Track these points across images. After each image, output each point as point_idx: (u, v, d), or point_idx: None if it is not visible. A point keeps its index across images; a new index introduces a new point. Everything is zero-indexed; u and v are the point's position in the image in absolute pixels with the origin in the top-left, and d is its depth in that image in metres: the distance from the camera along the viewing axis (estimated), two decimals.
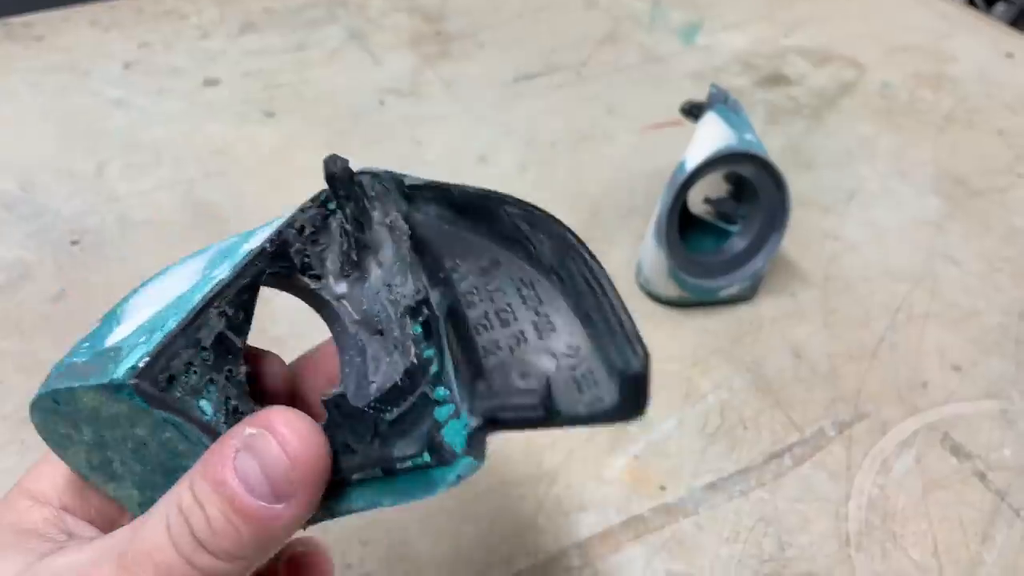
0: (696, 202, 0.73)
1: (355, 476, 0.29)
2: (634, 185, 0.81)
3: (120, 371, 0.26)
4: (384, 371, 0.32)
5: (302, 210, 0.32)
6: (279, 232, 0.31)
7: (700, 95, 0.77)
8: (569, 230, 0.28)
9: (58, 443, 0.31)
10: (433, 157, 0.83)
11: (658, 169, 0.79)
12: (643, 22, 1.09)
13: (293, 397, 0.36)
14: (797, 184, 0.76)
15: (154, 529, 0.26)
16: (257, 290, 0.31)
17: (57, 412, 0.29)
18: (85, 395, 0.27)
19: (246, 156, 0.85)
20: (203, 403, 0.28)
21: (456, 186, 0.31)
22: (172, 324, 0.27)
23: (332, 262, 0.33)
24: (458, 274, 0.30)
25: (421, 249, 0.31)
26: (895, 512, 0.56)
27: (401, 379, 0.30)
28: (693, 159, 0.63)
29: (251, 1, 1.09)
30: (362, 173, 0.33)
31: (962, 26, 1.10)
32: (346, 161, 0.33)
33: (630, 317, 0.26)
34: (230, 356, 0.29)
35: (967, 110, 0.95)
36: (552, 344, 0.28)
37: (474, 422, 0.28)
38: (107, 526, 0.32)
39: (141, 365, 0.26)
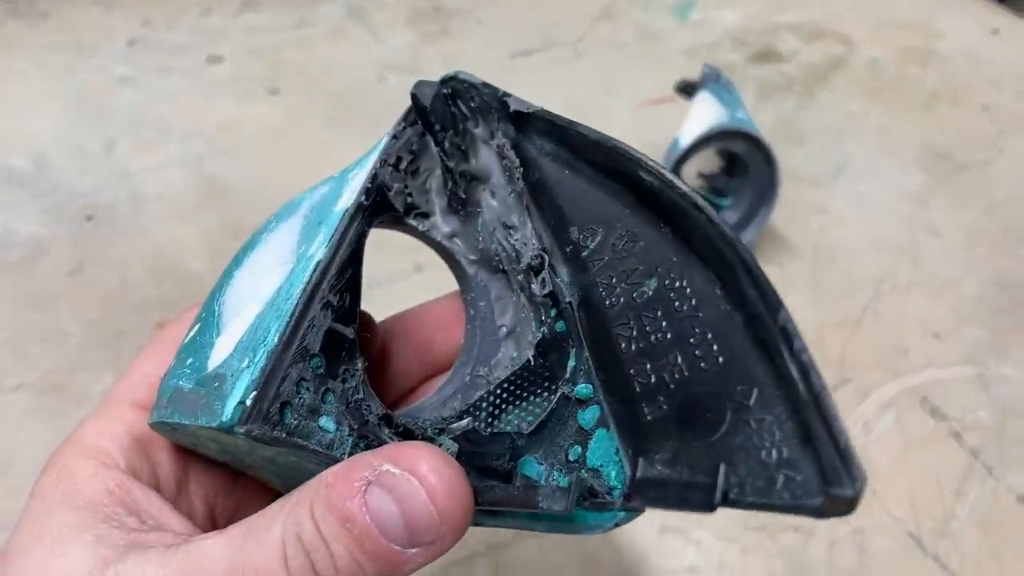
0: (690, 177, 0.76)
1: (499, 508, 0.26)
2: None
3: (228, 411, 0.23)
4: (512, 314, 0.29)
5: (394, 136, 0.29)
6: (374, 176, 0.28)
7: (694, 71, 0.79)
8: (741, 247, 0.24)
9: (186, 445, 0.29)
10: None
11: (654, 145, 0.82)
12: None
13: (380, 356, 0.34)
14: (787, 159, 0.78)
15: (269, 554, 0.23)
16: (361, 260, 0.27)
17: (176, 432, 0.28)
18: (199, 430, 0.25)
19: (252, 132, 0.87)
20: (323, 420, 0.25)
21: (574, 125, 0.27)
22: (274, 337, 0.24)
23: (438, 194, 0.30)
24: (588, 250, 0.27)
25: (538, 192, 0.28)
26: (876, 470, 0.60)
27: (534, 358, 0.28)
28: (686, 137, 0.66)
29: None
30: (454, 81, 0.29)
31: (950, 2, 1.12)
32: (436, 86, 0.29)
33: (842, 424, 0.22)
34: (344, 354, 0.26)
35: (953, 86, 0.97)
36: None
37: (631, 475, 0.24)
38: (174, 492, 0.29)
39: (248, 403, 0.23)
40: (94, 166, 0.82)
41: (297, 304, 0.25)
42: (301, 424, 0.25)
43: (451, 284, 0.34)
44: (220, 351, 0.26)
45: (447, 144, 0.29)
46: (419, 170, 0.30)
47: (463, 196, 0.30)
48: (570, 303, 0.27)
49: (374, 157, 0.29)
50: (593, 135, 0.27)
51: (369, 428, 0.26)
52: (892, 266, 0.75)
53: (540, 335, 0.28)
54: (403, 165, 0.29)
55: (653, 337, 0.25)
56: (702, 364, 0.24)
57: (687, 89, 0.75)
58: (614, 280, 0.26)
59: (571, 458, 0.27)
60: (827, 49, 1.03)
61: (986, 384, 0.66)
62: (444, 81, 0.29)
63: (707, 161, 0.76)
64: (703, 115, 0.67)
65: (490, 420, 0.28)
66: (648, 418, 0.24)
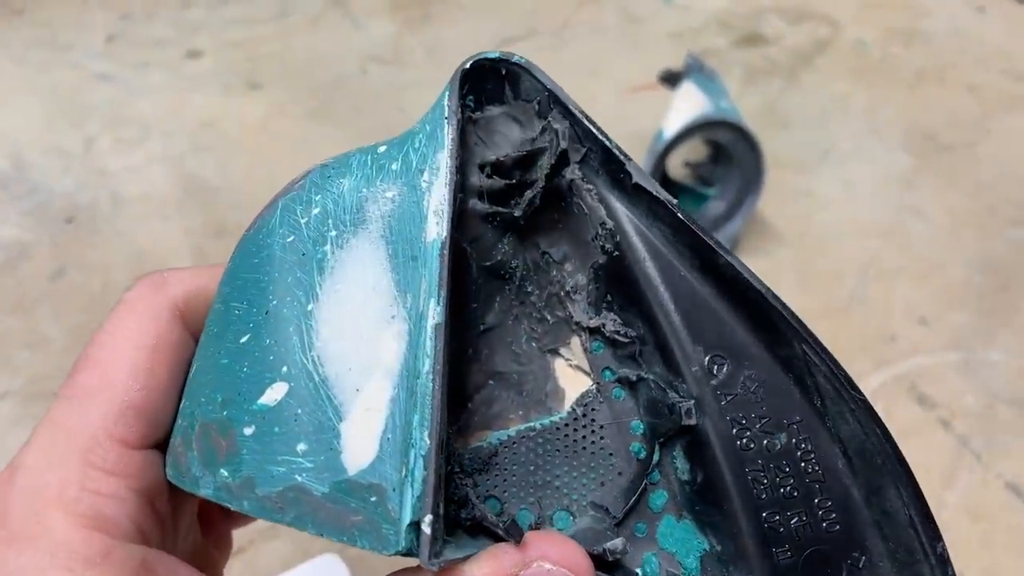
0: (675, 166, 0.76)
1: None
2: None
3: (402, 538, 0.21)
4: (495, 315, 0.28)
5: (456, 124, 0.25)
6: (453, 196, 0.24)
7: (679, 56, 0.78)
8: (903, 461, 0.25)
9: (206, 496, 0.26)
10: None
11: (639, 132, 0.81)
12: None
13: None
14: (773, 144, 0.78)
15: None
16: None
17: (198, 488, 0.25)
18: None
19: (234, 128, 0.86)
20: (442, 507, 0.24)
21: (721, 250, 0.26)
22: (423, 437, 0.22)
23: (473, 191, 0.27)
24: (718, 380, 0.26)
25: (633, 269, 0.27)
26: None
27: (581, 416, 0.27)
28: (671, 128, 0.66)
29: None
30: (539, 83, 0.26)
31: None
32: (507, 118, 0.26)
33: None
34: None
35: (938, 66, 0.97)
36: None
37: None
38: (172, 533, 0.27)
39: (428, 531, 0.21)
40: (73, 166, 0.81)
41: (435, 392, 0.22)
42: (453, 519, 0.24)
43: None
44: (357, 448, 0.22)
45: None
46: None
47: (506, 217, 0.27)
48: (696, 424, 0.26)
49: (444, 158, 0.25)
50: (740, 271, 0.25)
51: (469, 504, 0.25)
52: (878, 250, 0.75)
53: (589, 396, 0.27)
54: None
55: (783, 489, 0.26)
56: (825, 526, 0.26)
57: (670, 79, 0.74)
58: (745, 422, 0.26)
59: (637, 534, 0.27)
60: (812, 31, 1.02)
61: (973, 369, 0.66)
62: (501, 61, 0.26)
63: (693, 150, 0.76)
64: (687, 106, 0.67)
65: (530, 470, 0.27)
66: (779, 561, 0.26)
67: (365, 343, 0.23)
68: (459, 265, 0.27)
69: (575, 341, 0.28)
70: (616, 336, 0.27)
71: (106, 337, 0.25)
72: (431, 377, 0.22)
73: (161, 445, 0.25)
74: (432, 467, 0.21)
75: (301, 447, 0.23)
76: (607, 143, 0.26)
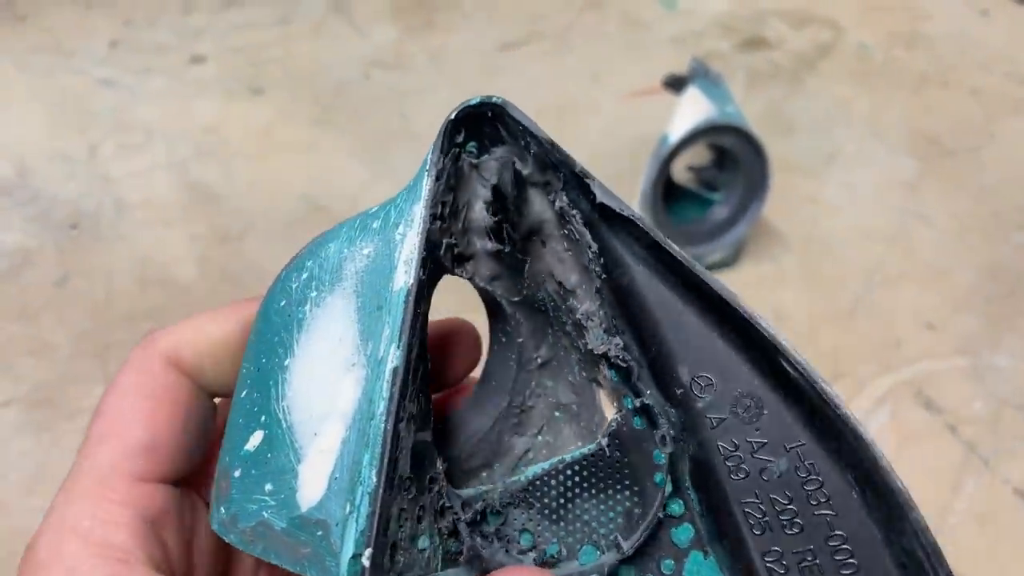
0: (679, 170, 0.76)
1: None
2: (619, 153, 0.83)
3: (343, 570, 0.22)
4: (548, 348, 0.29)
5: (437, 176, 0.25)
6: (427, 241, 0.25)
7: (682, 61, 0.78)
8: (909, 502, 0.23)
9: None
10: (420, 130, 0.85)
11: (641, 136, 0.81)
12: None
13: None
14: (777, 149, 0.78)
15: None
16: (427, 342, 0.26)
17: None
18: None
19: (237, 134, 0.86)
20: (421, 541, 0.25)
21: (688, 266, 0.25)
22: (371, 475, 0.23)
23: (478, 233, 0.27)
24: (703, 403, 0.25)
25: (626, 297, 0.26)
26: None
27: (609, 448, 0.27)
28: (676, 133, 0.65)
29: None
30: (502, 112, 0.26)
31: None
32: (507, 164, 0.27)
33: None
34: (427, 461, 0.25)
35: (941, 69, 0.97)
36: None
37: None
38: (184, 569, 0.28)
39: (366, 563, 0.22)
40: (77, 172, 0.81)
41: (385, 432, 0.23)
42: (406, 557, 0.24)
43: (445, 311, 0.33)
44: (309, 486, 0.24)
45: (509, 208, 0.27)
46: (458, 207, 0.27)
47: (518, 255, 0.27)
48: (673, 453, 0.26)
49: (419, 209, 0.25)
50: (714, 287, 0.24)
51: (460, 537, 0.25)
52: (884, 256, 0.75)
53: (613, 426, 0.27)
54: (446, 210, 0.26)
55: (784, 525, 0.24)
56: (843, 571, 0.23)
57: (675, 84, 0.74)
58: (737, 450, 0.24)
59: (665, 572, 0.26)
60: (815, 35, 1.02)
61: (980, 375, 0.65)
62: (484, 104, 0.26)
63: (697, 154, 0.75)
64: (692, 110, 0.67)
65: (560, 503, 0.27)
66: None
67: (326, 391, 0.25)
68: (493, 306, 0.28)
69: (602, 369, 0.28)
70: (617, 361, 0.26)
71: (111, 392, 0.28)
72: (384, 418, 0.23)
73: (168, 479, 0.27)
74: (377, 503, 0.22)
75: (268, 487, 0.24)
76: (573, 166, 0.26)
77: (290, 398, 0.25)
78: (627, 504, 0.27)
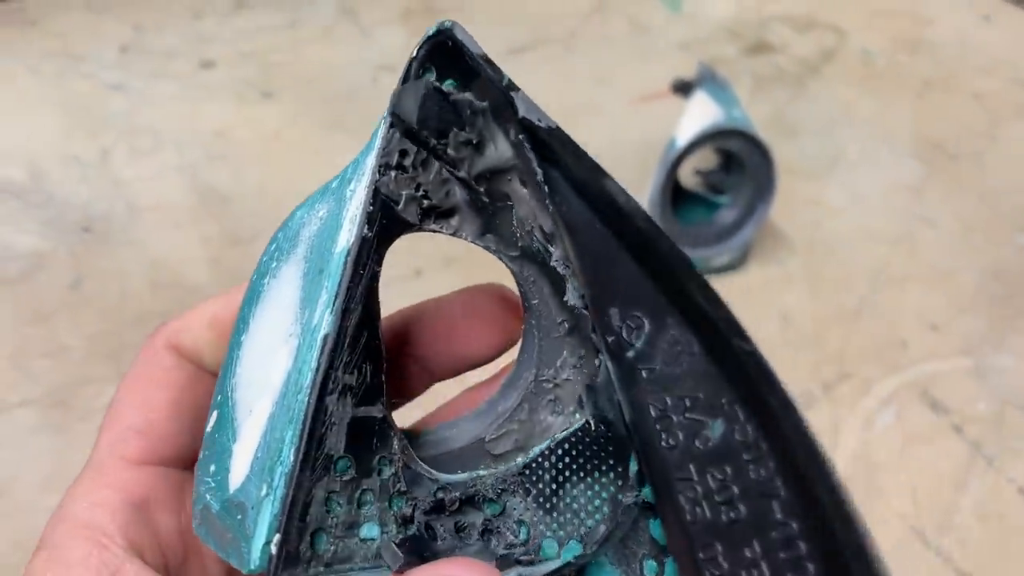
0: (687, 174, 0.76)
1: None
2: (625, 157, 0.84)
3: (255, 557, 0.21)
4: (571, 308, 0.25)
5: (390, 126, 0.23)
6: (374, 192, 0.22)
7: (688, 65, 0.79)
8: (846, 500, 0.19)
9: None
10: None
11: (648, 141, 0.82)
12: None
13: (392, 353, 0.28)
14: (782, 152, 0.78)
15: None
16: (376, 310, 0.23)
17: None
18: None
19: (246, 137, 0.87)
20: (365, 530, 0.22)
21: (603, 177, 0.22)
22: (289, 453, 0.21)
23: (460, 183, 0.24)
24: (635, 351, 0.22)
25: (570, 232, 0.23)
26: (877, 465, 0.60)
27: (595, 423, 0.24)
28: (683, 137, 0.66)
29: None
30: (448, 38, 0.23)
31: None
32: (421, 90, 0.23)
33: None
34: (375, 441, 0.23)
35: (944, 74, 0.98)
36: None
37: None
38: (181, 556, 0.27)
39: (274, 549, 0.20)
40: (89, 176, 0.81)
41: (308, 405, 0.21)
42: (339, 546, 0.22)
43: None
44: (238, 466, 0.22)
45: (450, 149, 0.24)
46: (430, 159, 0.24)
47: (486, 199, 0.24)
48: (605, 418, 0.23)
49: (370, 160, 0.23)
50: (624, 201, 0.21)
51: (417, 525, 0.23)
52: (888, 257, 0.76)
53: (585, 388, 0.24)
54: (409, 159, 0.23)
55: (723, 511, 0.20)
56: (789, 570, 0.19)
57: (683, 88, 0.75)
58: (668, 407, 0.21)
59: (646, 573, 0.24)
60: (819, 40, 1.03)
61: (984, 375, 0.66)
62: (433, 35, 0.23)
63: (704, 158, 0.76)
64: (700, 114, 0.67)
65: (553, 490, 0.25)
66: None
67: (263, 364, 0.23)
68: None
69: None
70: (582, 312, 0.23)
71: (122, 381, 0.28)
72: (308, 390, 0.21)
73: (166, 462, 0.27)
74: (292, 484, 0.20)
75: (212, 468, 0.23)
76: (500, 80, 0.23)
77: (239, 375, 0.24)
78: (611, 488, 0.24)
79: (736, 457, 0.20)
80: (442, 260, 0.69)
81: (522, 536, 0.25)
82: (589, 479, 0.24)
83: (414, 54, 0.23)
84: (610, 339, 0.22)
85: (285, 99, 0.92)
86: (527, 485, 0.25)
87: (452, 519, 0.24)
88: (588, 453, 0.24)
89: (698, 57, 0.94)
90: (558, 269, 0.24)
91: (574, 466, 0.25)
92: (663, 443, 0.21)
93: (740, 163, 0.71)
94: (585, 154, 0.22)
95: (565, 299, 0.24)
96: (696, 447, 0.20)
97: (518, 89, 0.23)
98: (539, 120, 0.22)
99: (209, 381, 0.27)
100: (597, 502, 0.24)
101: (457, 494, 0.24)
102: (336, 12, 1.05)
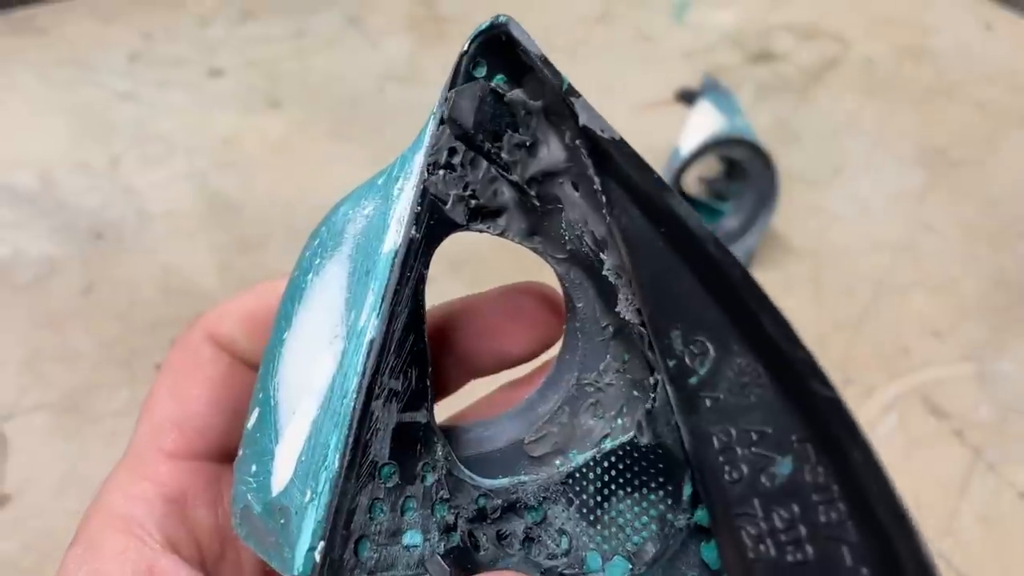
0: (691, 182, 0.77)
1: None
2: None
3: (299, 563, 0.20)
4: (621, 309, 0.24)
5: (442, 120, 0.22)
6: (423, 192, 0.22)
7: (691, 74, 0.80)
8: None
9: None
10: None
11: (654, 149, 0.83)
12: (634, 1, 1.11)
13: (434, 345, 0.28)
14: (785, 160, 0.79)
15: None
16: (422, 313, 0.23)
17: None
18: None
19: (255, 145, 0.88)
20: (407, 537, 0.22)
21: (683, 209, 0.21)
22: (334, 459, 0.21)
23: (509, 185, 0.24)
24: (698, 377, 0.21)
25: (627, 244, 0.22)
26: None
27: (646, 440, 0.23)
28: (687, 146, 0.67)
29: None
30: (504, 34, 0.22)
31: None
32: (476, 91, 0.23)
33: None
34: (419, 447, 0.23)
35: (947, 82, 0.98)
36: None
37: None
38: (217, 553, 0.27)
39: (318, 557, 0.20)
40: (100, 183, 0.82)
41: (354, 410, 0.21)
42: (382, 553, 0.22)
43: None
44: (281, 468, 0.22)
45: (504, 153, 0.23)
46: (479, 157, 0.23)
47: (536, 201, 0.24)
48: (643, 442, 0.23)
49: (419, 158, 0.22)
50: (694, 224, 0.20)
51: (460, 533, 0.23)
52: (891, 265, 0.77)
53: (648, 407, 0.24)
54: (458, 157, 0.23)
55: (789, 551, 0.19)
56: None
57: (687, 97, 0.76)
58: (733, 439, 0.20)
59: None
60: (822, 48, 1.04)
61: (986, 381, 0.67)
62: (486, 30, 0.22)
63: (708, 166, 0.77)
64: (703, 123, 0.68)
65: (598, 502, 0.24)
66: None
67: (307, 366, 0.23)
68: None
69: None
70: (639, 328, 0.23)
71: (159, 372, 0.28)
72: (354, 395, 0.21)
73: (204, 455, 0.27)
74: (338, 490, 0.20)
75: (253, 468, 0.23)
76: (561, 84, 0.22)
77: (281, 374, 0.24)
78: (660, 507, 0.24)
79: (805, 497, 0.19)
80: (449, 265, 0.70)
81: (563, 546, 0.24)
82: (637, 495, 0.24)
83: (466, 48, 0.22)
84: (671, 363, 0.21)
85: (293, 107, 0.93)
86: (570, 494, 0.24)
87: (494, 527, 0.24)
88: (636, 468, 0.24)
89: (702, 66, 0.95)
90: (609, 278, 0.24)
91: (621, 480, 0.24)
92: (726, 476, 0.20)
93: (743, 171, 0.72)
94: (650, 169, 0.22)
95: (617, 310, 0.24)
96: (762, 483, 0.19)
97: (579, 95, 0.22)
98: (602, 130, 0.22)
99: (247, 374, 0.27)
100: (645, 519, 0.24)
101: (499, 501, 0.24)
102: (343, 22, 1.06)
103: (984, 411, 0.65)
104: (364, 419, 0.21)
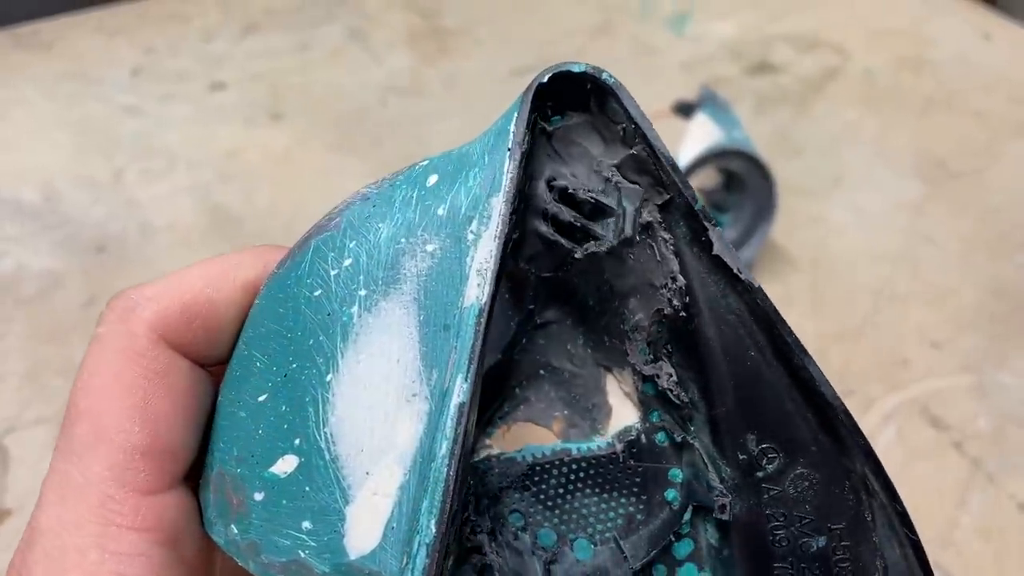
0: None
1: None
2: None
3: None
4: (557, 311, 0.27)
5: (520, 159, 0.22)
6: (502, 252, 0.22)
7: (692, 85, 0.81)
8: None
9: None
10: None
11: None
12: (634, 13, 1.12)
13: None
14: (785, 171, 0.80)
15: None
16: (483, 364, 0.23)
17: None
18: None
19: (257, 159, 0.88)
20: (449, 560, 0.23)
21: (793, 343, 0.24)
22: (430, 525, 0.21)
23: (533, 211, 0.25)
24: (765, 473, 0.24)
25: (696, 340, 0.24)
26: None
27: (623, 455, 0.26)
28: (684, 157, 0.68)
29: (252, 2, 1.12)
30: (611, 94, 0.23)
31: (940, 7, 1.13)
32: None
33: None
34: (468, 483, 0.25)
35: (946, 93, 0.99)
36: None
37: None
38: None
39: None
40: (103, 196, 0.83)
41: (448, 478, 0.21)
42: None
43: None
44: (361, 533, 0.21)
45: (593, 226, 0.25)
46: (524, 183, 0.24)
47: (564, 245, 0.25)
48: (723, 518, 0.25)
49: (498, 204, 0.22)
50: (818, 376, 0.23)
51: (483, 550, 0.25)
52: (890, 276, 0.77)
53: (632, 435, 0.26)
54: (518, 200, 0.23)
55: None
56: None
57: (685, 109, 0.76)
58: (784, 520, 0.24)
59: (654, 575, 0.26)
60: (821, 59, 1.04)
61: (985, 392, 0.67)
62: (587, 76, 0.23)
63: (707, 177, 0.77)
64: (700, 136, 0.69)
65: (559, 493, 0.26)
66: None
67: (380, 423, 0.22)
68: (517, 282, 0.26)
69: (628, 373, 0.26)
70: (669, 394, 0.25)
71: (88, 381, 0.23)
72: (447, 461, 0.21)
73: (177, 482, 0.24)
74: (436, 555, 0.20)
75: (306, 525, 0.22)
76: (692, 202, 0.24)
77: (334, 425, 0.22)
78: (630, 509, 0.26)
79: (830, 566, 0.24)
80: None
81: (518, 523, 0.25)
82: (605, 495, 0.26)
83: (543, 80, 0.23)
84: (741, 457, 0.24)
85: (295, 120, 0.93)
86: (527, 483, 0.26)
87: (497, 534, 0.25)
88: (608, 476, 0.26)
89: (701, 77, 0.95)
90: (625, 330, 0.25)
91: (589, 481, 0.26)
92: (772, 540, 0.24)
93: (741, 183, 0.72)
94: (770, 307, 0.24)
95: (631, 361, 0.25)
96: (800, 549, 0.24)
97: (713, 221, 0.24)
98: (739, 271, 0.24)
99: (203, 377, 0.24)
100: (611, 514, 0.26)
101: (486, 501, 0.25)
102: (345, 35, 1.07)
103: (983, 422, 0.65)
104: (458, 486, 0.21)
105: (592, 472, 0.26)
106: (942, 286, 0.76)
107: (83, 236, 0.79)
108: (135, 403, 0.22)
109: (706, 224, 0.23)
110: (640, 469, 0.26)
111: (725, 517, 0.24)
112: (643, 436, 0.26)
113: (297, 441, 0.22)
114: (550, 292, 0.27)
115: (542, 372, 0.28)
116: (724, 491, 0.25)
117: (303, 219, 0.84)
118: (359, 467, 0.22)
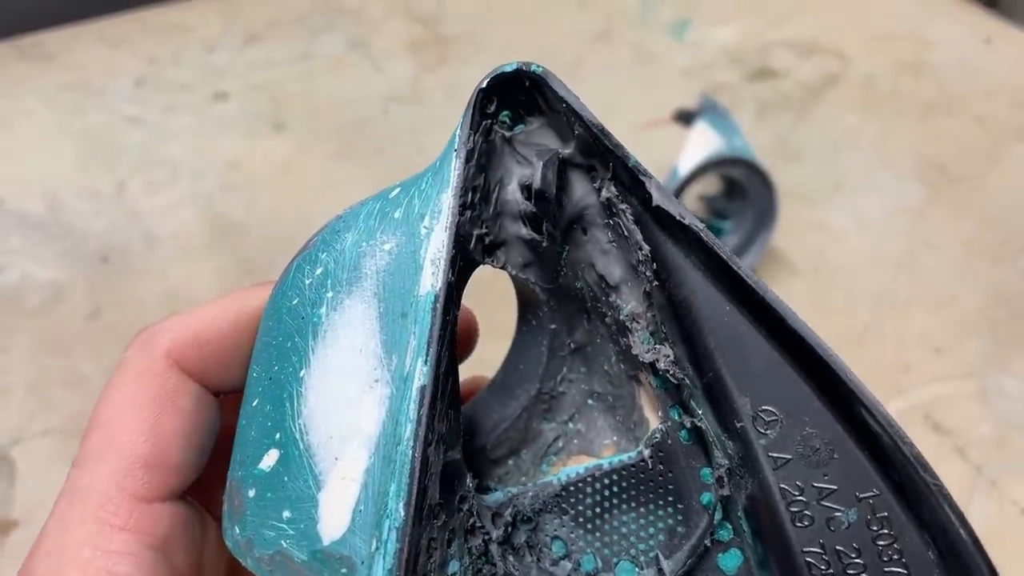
0: (690, 200, 0.78)
1: None
2: None
3: None
4: (583, 333, 0.27)
5: (467, 157, 0.23)
6: (457, 235, 0.23)
7: (692, 92, 0.81)
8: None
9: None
10: None
11: (653, 166, 0.82)
12: (634, 20, 1.12)
13: None
14: (785, 177, 0.80)
15: None
16: (455, 356, 0.24)
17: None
18: None
19: (260, 169, 0.89)
20: (451, 566, 0.23)
21: (752, 282, 0.22)
22: (398, 508, 0.21)
23: (511, 217, 0.25)
24: (767, 440, 0.22)
25: (682, 313, 0.23)
26: None
27: (651, 460, 0.25)
28: (684, 166, 0.68)
29: (254, 12, 1.13)
30: (538, 80, 0.23)
31: (941, 12, 1.13)
32: (556, 168, 0.24)
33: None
34: (456, 481, 0.24)
35: (947, 97, 0.99)
36: None
37: None
38: None
39: None
40: (107, 207, 0.83)
41: (414, 460, 0.21)
42: None
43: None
44: (331, 517, 0.22)
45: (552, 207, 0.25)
46: (489, 188, 0.24)
47: (546, 245, 0.25)
48: (724, 497, 0.24)
49: (447, 199, 0.23)
50: (788, 316, 0.22)
51: (492, 558, 0.24)
52: (892, 281, 0.77)
53: (657, 436, 0.25)
54: (476, 196, 0.24)
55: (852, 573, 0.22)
56: None
57: (685, 117, 0.76)
58: (802, 495, 0.22)
59: None
60: (822, 65, 1.04)
61: (987, 398, 0.67)
62: (521, 72, 0.23)
63: (707, 184, 0.77)
64: (701, 144, 0.69)
65: (596, 512, 0.26)
66: None
67: (346, 410, 0.23)
68: (527, 297, 0.26)
69: (644, 373, 0.26)
70: (667, 375, 0.24)
71: (107, 399, 0.25)
72: (411, 444, 0.21)
73: (176, 495, 0.25)
74: (406, 539, 0.21)
75: (286, 514, 0.23)
76: (626, 159, 0.23)
77: (307, 416, 0.23)
78: (669, 521, 0.25)
79: (870, 545, 0.22)
80: None
81: (559, 551, 0.25)
82: (642, 509, 0.25)
83: (484, 85, 0.23)
84: (738, 424, 0.22)
85: (297, 130, 0.94)
86: (564, 505, 0.26)
87: (510, 543, 0.25)
88: (641, 486, 0.25)
89: (701, 84, 0.96)
90: (624, 322, 0.25)
91: (623, 495, 0.25)
92: (795, 523, 0.22)
93: (742, 190, 0.72)
94: (725, 253, 0.22)
95: (634, 352, 0.25)
96: (829, 529, 0.22)
97: (650, 175, 0.23)
98: (681, 216, 0.23)
99: (211, 401, 0.26)
100: (651, 530, 0.25)
101: (508, 515, 0.25)
102: (346, 45, 1.07)
103: (985, 428, 0.65)
104: (425, 466, 0.21)
105: (625, 484, 0.25)
106: (944, 291, 0.76)
107: (87, 247, 0.79)
108: (145, 418, 0.25)
109: (642, 178, 0.23)
110: (671, 474, 0.25)
111: (725, 491, 0.23)
112: (668, 437, 0.25)
113: (278, 435, 0.23)
114: (560, 304, 0.27)
115: (590, 401, 0.28)
116: (723, 461, 0.23)
117: (305, 228, 0.84)
118: (329, 454, 0.22)
